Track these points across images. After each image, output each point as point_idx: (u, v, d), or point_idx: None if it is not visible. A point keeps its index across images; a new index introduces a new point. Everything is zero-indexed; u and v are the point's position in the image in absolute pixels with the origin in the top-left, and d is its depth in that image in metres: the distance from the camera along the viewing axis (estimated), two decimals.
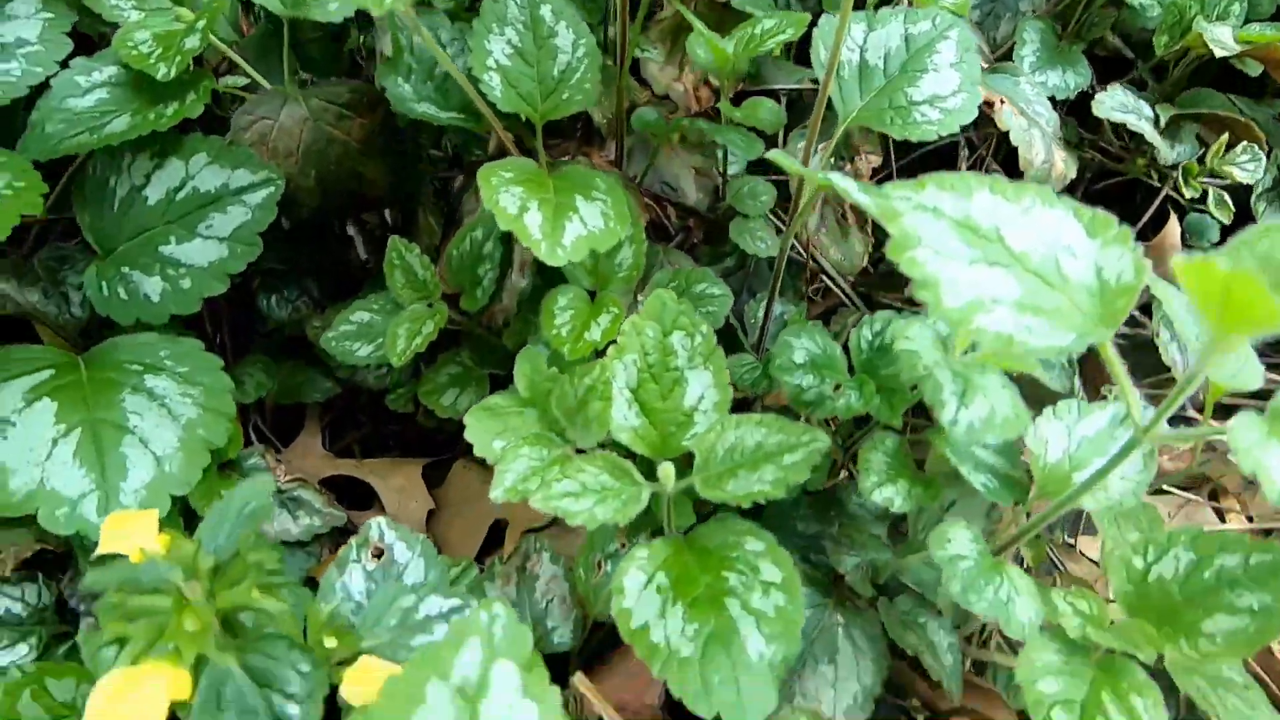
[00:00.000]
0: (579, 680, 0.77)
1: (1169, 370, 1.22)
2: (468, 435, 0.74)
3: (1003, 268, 0.46)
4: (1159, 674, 0.76)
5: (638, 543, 0.63)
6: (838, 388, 0.76)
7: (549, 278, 0.86)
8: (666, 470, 0.62)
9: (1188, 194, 1.01)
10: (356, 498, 1.13)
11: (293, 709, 0.42)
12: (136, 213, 0.85)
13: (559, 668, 0.92)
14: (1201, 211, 1.32)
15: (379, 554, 0.71)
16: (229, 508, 0.45)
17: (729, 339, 1.03)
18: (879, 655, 0.75)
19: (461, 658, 0.43)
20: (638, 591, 0.59)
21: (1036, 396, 0.76)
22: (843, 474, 1.08)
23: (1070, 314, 0.44)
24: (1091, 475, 0.55)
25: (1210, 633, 0.60)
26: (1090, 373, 0.99)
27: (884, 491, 0.74)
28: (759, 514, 0.95)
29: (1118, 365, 0.45)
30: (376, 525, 0.73)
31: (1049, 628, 0.66)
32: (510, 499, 0.66)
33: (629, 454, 0.69)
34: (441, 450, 1.13)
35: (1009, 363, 0.64)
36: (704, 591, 0.59)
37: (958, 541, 0.63)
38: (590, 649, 0.98)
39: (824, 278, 1.16)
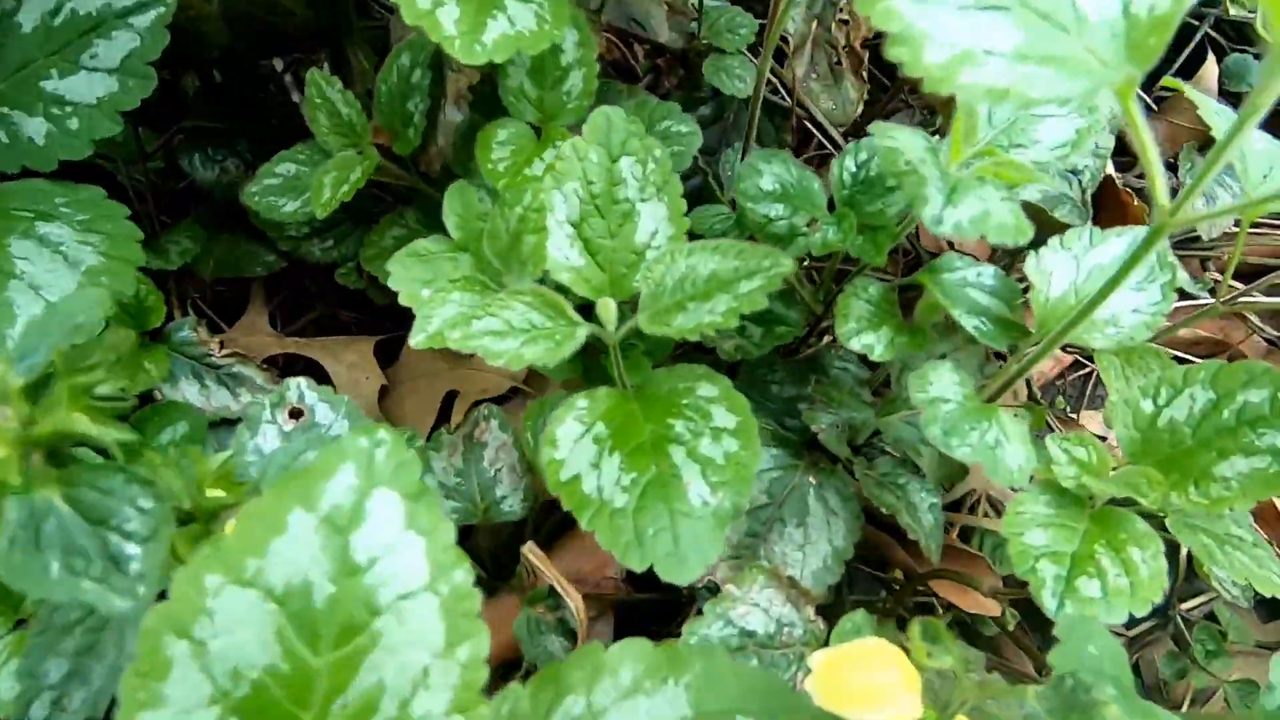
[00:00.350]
0: (528, 549, 0.71)
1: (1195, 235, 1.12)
2: (392, 283, 0.65)
3: (1001, 11, 0.36)
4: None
5: (579, 394, 0.56)
6: (813, 223, 0.67)
7: (488, 112, 0.75)
8: (606, 306, 0.54)
9: (1233, 11, 0.87)
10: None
11: (131, 549, 0.36)
12: (11, 45, 0.74)
13: (512, 538, 0.87)
14: (1242, 52, 1.18)
15: (297, 415, 0.64)
16: (50, 323, 0.38)
17: (701, 194, 0.93)
18: (852, 517, 0.69)
19: (332, 484, 0.36)
20: (571, 442, 0.51)
21: (1041, 236, 0.66)
22: (825, 339, 1.00)
23: (1083, 61, 0.34)
24: (1101, 288, 0.46)
25: (1225, 476, 0.53)
26: (1105, 214, 0.88)
27: (863, 338, 0.66)
28: (732, 379, 0.88)
29: (1140, 123, 0.36)
30: (295, 385, 0.66)
31: (1042, 481, 0.59)
32: (433, 345, 0.58)
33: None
34: (397, 328, 1.06)
35: (1008, 175, 0.54)
36: (647, 439, 0.52)
37: (940, 384, 0.55)
38: (553, 522, 0.93)
39: (812, 127, 1.04)
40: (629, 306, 0.60)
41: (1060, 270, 0.60)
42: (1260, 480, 0.51)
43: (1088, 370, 1.16)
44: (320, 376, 1.04)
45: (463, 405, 0.91)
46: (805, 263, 1.03)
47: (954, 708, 0.36)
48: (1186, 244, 1.14)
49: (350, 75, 0.93)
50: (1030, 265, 0.60)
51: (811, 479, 0.71)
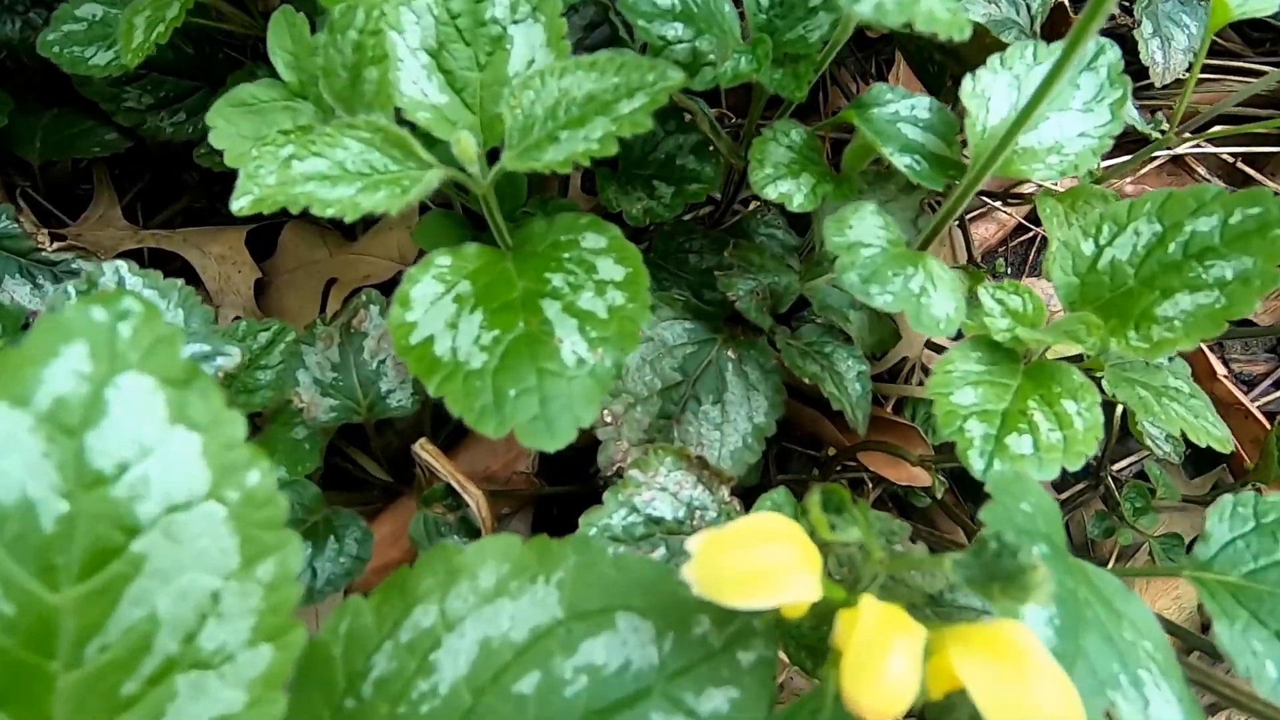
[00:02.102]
0: (419, 446, 0.64)
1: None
2: (214, 140, 0.54)
3: None
4: None
5: (441, 251, 0.46)
6: (722, 50, 0.56)
7: None
8: (462, 141, 0.44)
9: None
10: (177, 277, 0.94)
11: None
12: None
13: (383, 428, 0.80)
14: None
15: None
16: None
17: (612, 40, 0.81)
18: (773, 391, 0.63)
19: (51, 371, 0.27)
20: (428, 304, 0.43)
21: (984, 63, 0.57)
22: (751, 206, 0.91)
23: None
24: (1035, 92, 0.38)
25: (1168, 317, 0.48)
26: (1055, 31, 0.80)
27: (780, 186, 0.57)
28: (635, 241, 0.79)
29: None
30: (112, 268, 0.55)
31: (974, 338, 0.54)
32: (261, 209, 0.47)
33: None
34: (275, 215, 0.93)
35: None
36: (518, 296, 0.43)
37: (862, 227, 0.48)
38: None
39: None
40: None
41: (1000, 94, 0.52)
42: (1205, 317, 0.46)
43: (1031, 235, 1.11)
44: (190, 276, 0.91)
45: (341, 293, 0.81)
46: (721, 112, 0.93)
47: (864, 584, 0.31)
48: (1138, 93, 1.07)
49: None
50: (966, 88, 0.52)
51: (730, 353, 0.64)
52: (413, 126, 0.50)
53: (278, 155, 0.49)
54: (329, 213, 0.42)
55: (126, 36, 0.63)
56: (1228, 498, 0.43)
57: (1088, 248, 0.52)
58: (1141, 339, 0.49)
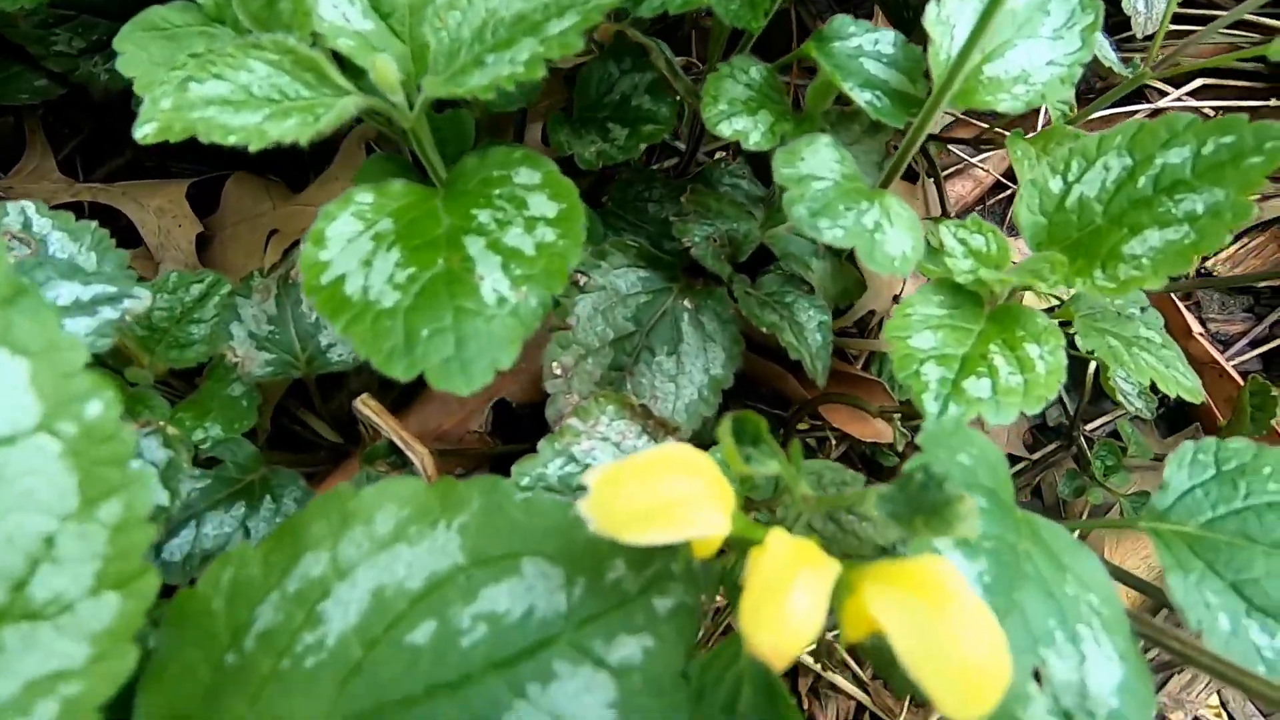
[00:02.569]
0: (360, 402, 0.61)
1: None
2: (121, 66, 0.50)
3: None
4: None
5: (362, 187, 0.43)
6: None
7: None
8: (380, 65, 0.41)
9: None
10: (120, 237, 0.90)
11: None
12: None
13: (331, 381, 0.77)
14: None
15: (20, 246, 0.50)
16: None
17: None
18: (731, 342, 0.60)
19: None
20: (344, 242, 0.40)
21: None
22: (717, 155, 0.88)
23: None
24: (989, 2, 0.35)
25: (1135, 254, 0.46)
26: None
27: (735, 123, 0.54)
28: (597, 191, 0.76)
29: None
30: (16, 208, 0.51)
31: (936, 280, 0.51)
32: (166, 136, 0.44)
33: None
34: (218, 166, 0.89)
35: None
36: (442, 234, 0.40)
37: (816, 160, 0.45)
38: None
39: None
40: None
41: (965, 20, 0.49)
42: (1174, 253, 0.44)
43: (1010, 192, 1.08)
44: (132, 232, 0.87)
45: (280, 245, 0.77)
46: (688, 60, 0.89)
47: (789, 521, 0.28)
48: (1120, 45, 1.04)
49: None
50: (930, 15, 0.49)
51: (686, 303, 0.61)
52: (339, 58, 0.46)
53: (183, 80, 0.45)
54: (231, 140, 0.39)
55: None
56: (1188, 444, 0.41)
57: (1055, 185, 0.49)
58: (1108, 278, 0.46)
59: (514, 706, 0.27)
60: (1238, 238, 1.01)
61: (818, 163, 0.45)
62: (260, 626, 0.29)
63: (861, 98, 0.52)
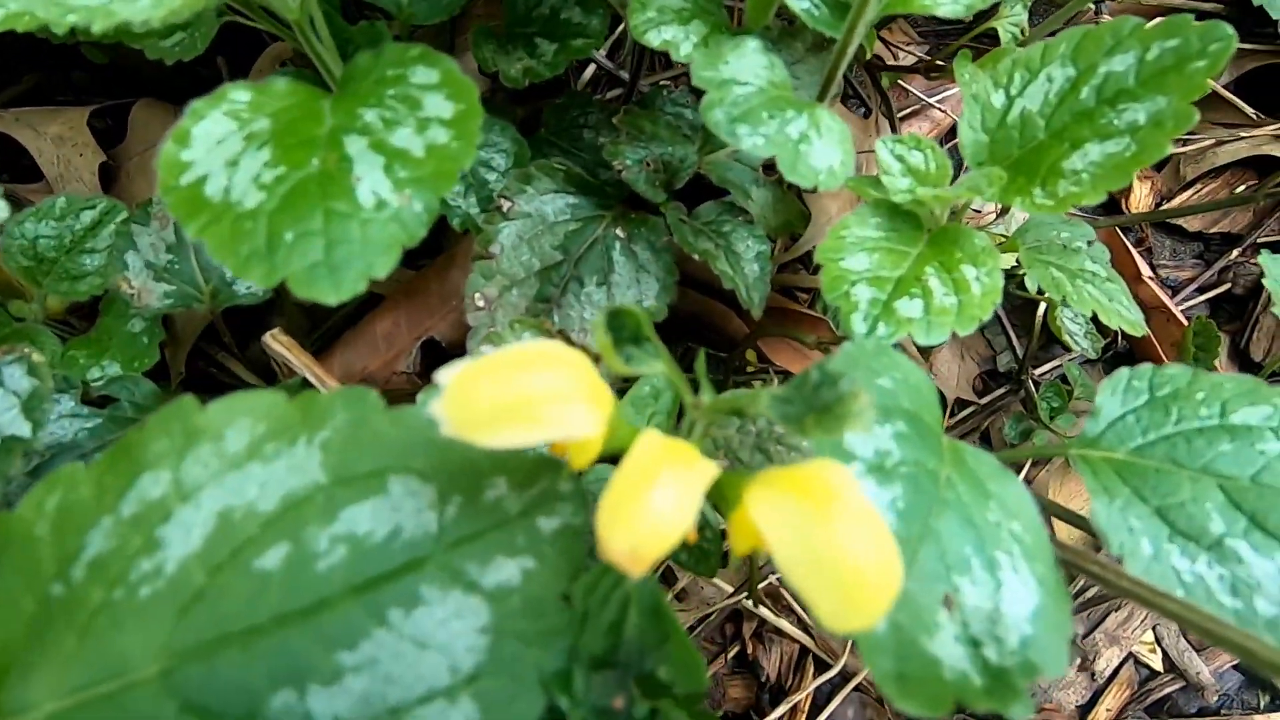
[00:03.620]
0: (270, 337, 0.57)
1: None
2: None
3: None
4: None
5: (240, 85, 0.39)
6: None
7: None
8: None
9: None
10: (19, 170, 0.83)
11: None
12: None
13: (253, 323, 0.73)
14: None
15: None
16: None
17: None
18: (665, 272, 0.57)
19: None
20: (212, 143, 0.35)
21: None
22: (662, 79, 0.84)
23: None
24: None
25: (1075, 170, 0.43)
26: None
27: (665, 32, 0.50)
28: (535, 122, 0.72)
29: None
30: None
31: (874, 201, 0.49)
32: (14, 26, 0.39)
33: None
34: (130, 93, 0.82)
35: None
36: (323, 134, 0.36)
37: (740, 64, 0.42)
38: (334, 321, 0.79)
39: None
40: None
41: None
42: (1114, 167, 0.42)
43: None
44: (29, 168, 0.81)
45: None
46: None
47: (684, 433, 0.26)
48: None
49: None
50: None
51: (619, 231, 0.58)
52: None
53: None
54: (70, 20, 0.34)
55: None
56: (1124, 370, 0.39)
57: (998, 100, 0.47)
58: (1047, 195, 0.44)
59: (372, 634, 0.25)
60: (1192, 183, 1.01)
61: (742, 67, 0.41)
62: (91, 554, 0.26)
63: (799, 5, 0.49)
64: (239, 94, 0.39)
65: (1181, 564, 0.30)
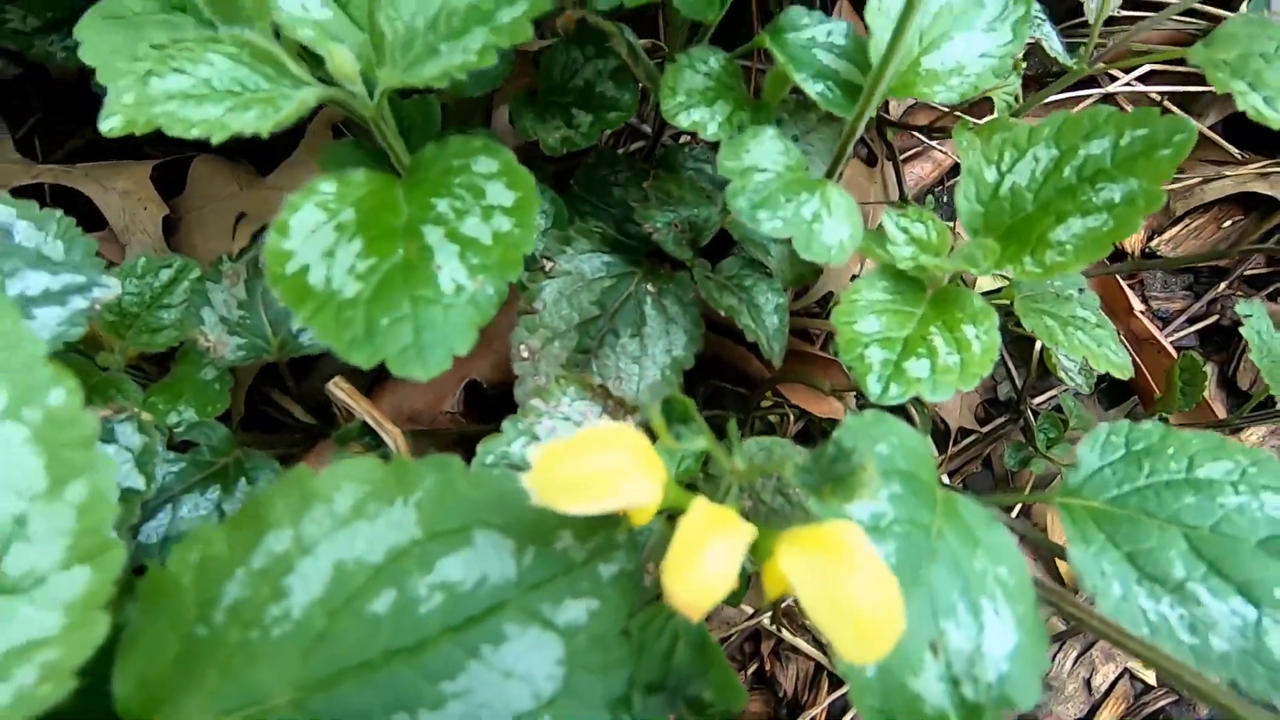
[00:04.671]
0: (334, 384, 0.63)
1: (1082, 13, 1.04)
2: (84, 55, 0.50)
3: None
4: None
5: (325, 176, 0.44)
6: None
7: None
8: (338, 56, 0.42)
9: None
10: (82, 219, 0.90)
11: None
12: None
13: (306, 364, 0.79)
14: None
15: None
16: None
17: None
18: (692, 324, 0.62)
19: None
20: (307, 232, 0.41)
21: None
22: (683, 139, 0.89)
23: None
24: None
25: (1061, 241, 0.48)
26: None
27: (693, 115, 0.56)
28: (566, 174, 0.78)
29: None
30: None
31: (880, 266, 0.54)
32: (132, 130, 0.45)
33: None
34: (183, 148, 0.89)
35: None
36: (402, 223, 0.42)
37: (760, 151, 0.47)
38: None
39: None
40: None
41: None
42: (1094, 240, 0.47)
43: None
44: (97, 216, 0.87)
45: (249, 230, 0.78)
46: (654, 43, 0.90)
47: (721, 493, 0.31)
48: (1072, 30, 1.06)
49: None
50: (871, 6, 0.51)
51: (649, 286, 0.63)
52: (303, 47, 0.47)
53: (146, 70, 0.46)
54: (193, 134, 0.40)
55: None
56: (1103, 426, 0.44)
57: (990, 175, 0.52)
58: (1036, 264, 0.49)
59: (467, 667, 0.30)
60: (1180, 219, 1.05)
61: (762, 154, 0.47)
62: (228, 601, 0.31)
63: (814, 89, 0.54)
64: (326, 186, 0.44)
65: (1147, 605, 0.35)
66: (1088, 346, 0.61)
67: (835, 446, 0.26)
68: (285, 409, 0.79)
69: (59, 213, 0.55)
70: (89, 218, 0.87)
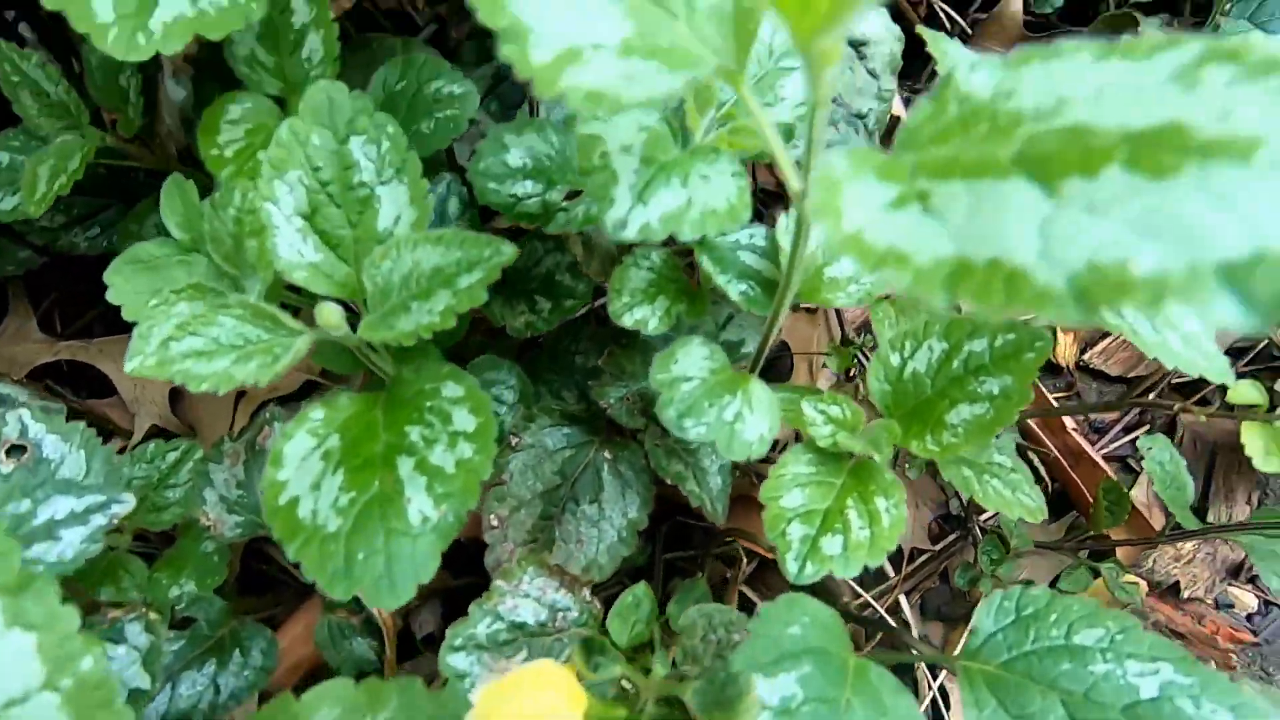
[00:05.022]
0: None
1: None
2: (113, 297, 0.59)
3: (614, 1, 0.33)
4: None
5: (315, 404, 0.52)
6: (573, 195, 0.64)
7: (226, 82, 0.67)
8: (326, 312, 0.50)
9: None
10: (95, 387, 0.97)
11: None
12: None
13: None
14: None
15: (18, 451, 0.58)
16: None
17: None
18: (644, 487, 0.69)
19: None
20: (299, 460, 0.48)
21: None
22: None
23: (689, 51, 0.32)
24: (793, 243, 0.46)
25: (954, 423, 0.56)
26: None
27: (635, 314, 0.64)
28: (534, 347, 0.86)
29: (756, 109, 0.34)
30: (14, 417, 0.59)
31: (805, 440, 0.61)
32: (156, 374, 0.53)
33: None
34: None
35: (741, 143, 0.53)
36: (379, 452, 0.49)
37: (686, 361, 0.55)
38: None
39: None
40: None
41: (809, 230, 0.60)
42: (980, 425, 0.54)
43: None
44: (105, 382, 0.95)
45: (248, 406, 0.86)
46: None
47: (640, 705, 0.37)
48: None
49: (68, 40, 0.81)
50: (780, 225, 0.60)
51: (606, 454, 0.71)
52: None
53: (169, 314, 0.55)
54: (203, 388, 0.48)
55: (30, 187, 0.68)
56: (998, 593, 0.51)
57: (895, 360, 0.60)
58: (934, 443, 0.57)
59: None
60: (1107, 332, 1.15)
61: (689, 363, 0.55)
62: None
63: (735, 290, 0.63)
64: (315, 413, 0.52)
65: None
66: (1002, 495, 0.68)
67: (725, 674, 0.33)
68: (279, 562, 0.84)
69: (82, 425, 0.62)
70: (105, 383, 0.95)
